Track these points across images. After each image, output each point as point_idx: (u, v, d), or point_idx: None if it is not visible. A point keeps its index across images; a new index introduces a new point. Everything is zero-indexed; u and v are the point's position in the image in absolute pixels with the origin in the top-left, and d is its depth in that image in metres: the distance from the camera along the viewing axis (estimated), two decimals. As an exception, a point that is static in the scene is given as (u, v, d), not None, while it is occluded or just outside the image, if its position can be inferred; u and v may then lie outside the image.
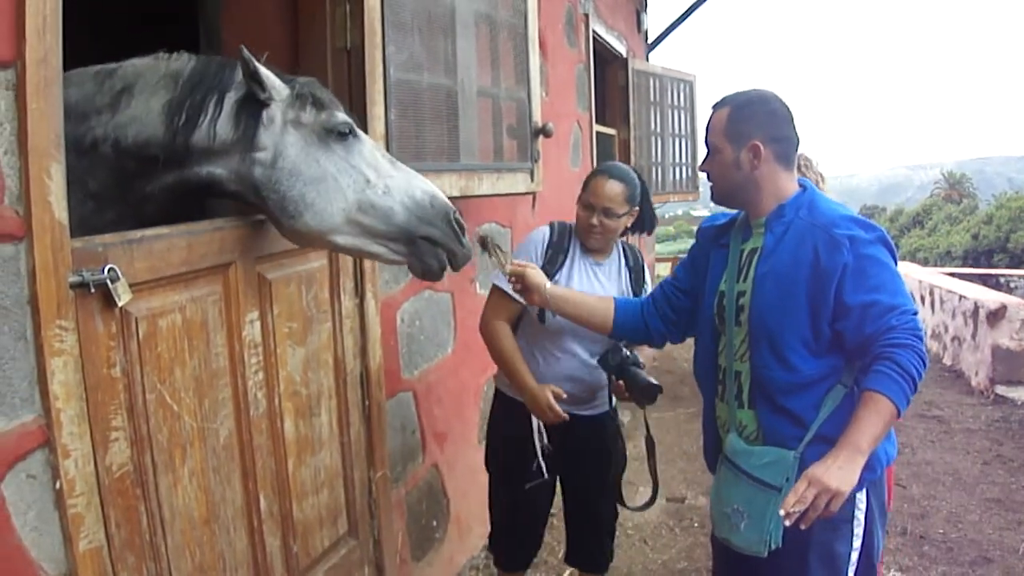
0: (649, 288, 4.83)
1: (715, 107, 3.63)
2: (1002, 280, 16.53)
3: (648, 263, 14.61)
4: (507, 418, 4.82)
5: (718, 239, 3.80)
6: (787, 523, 3.03)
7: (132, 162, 3.00)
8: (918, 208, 50.68)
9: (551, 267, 4.63)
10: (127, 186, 3.04)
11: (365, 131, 3.91)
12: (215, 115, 3.04)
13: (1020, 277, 16.89)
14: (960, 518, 7.04)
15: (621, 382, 4.48)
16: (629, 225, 4.74)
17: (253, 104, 3.06)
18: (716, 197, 3.71)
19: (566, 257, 4.70)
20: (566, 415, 4.42)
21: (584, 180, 4.76)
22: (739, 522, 3.38)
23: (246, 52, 2.95)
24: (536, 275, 3.98)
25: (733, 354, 3.59)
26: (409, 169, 3.31)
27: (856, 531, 3.41)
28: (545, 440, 4.69)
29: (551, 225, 4.82)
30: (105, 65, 3.08)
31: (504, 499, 4.94)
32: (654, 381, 4.40)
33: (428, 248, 3.25)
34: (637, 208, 4.72)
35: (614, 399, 4.83)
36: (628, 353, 4.48)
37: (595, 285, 4.69)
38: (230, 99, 3.07)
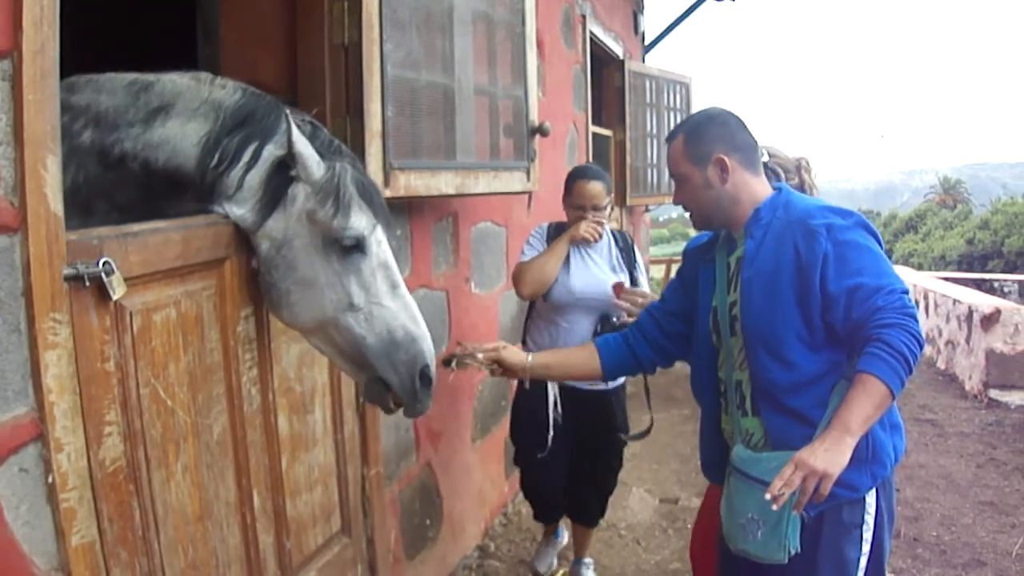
0: (640, 265, 5.81)
1: (668, 140, 3.68)
2: (996, 285, 16.58)
3: (643, 263, 14.67)
4: (528, 395, 5.57)
5: (704, 256, 3.81)
6: (775, 507, 2.96)
7: (162, 184, 2.97)
8: (912, 213, 50.71)
9: None
10: (154, 204, 2.99)
11: (362, 129, 3.91)
12: (249, 164, 2.99)
13: (1014, 282, 16.93)
14: (953, 521, 7.07)
15: None
16: (611, 211, 5.65)
17: (285, 172, 3.01)
18: (697, 224, 3.72)
19: None
20: (598, 228, 5.45)
21: (566, 185, 5.61)
22: (755, 531, 3.30)
23: (291, 120, 2.92)
24: (512, 354, 4.02)
25: (732, 364, 3.57)
26: (408, 300, 3.21)
27: (865, 535, 3.36)
28: (559, 410, 5.54)
29: (550, 224, 5.74)
30: (140, 76, 3.02)
31: (526, 463, 5.88)
32: None
33: (378, 389, 3.18)
34: (612, 194, 5.70)
35: (621, 378, 5.48)
36: (615, 320, 5.29)
37: (587, 263, 5.56)
38: (268, 152, 3.01)
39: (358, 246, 3.06)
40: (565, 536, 6.50)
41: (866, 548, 3.37)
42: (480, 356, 3.90)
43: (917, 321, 3.09)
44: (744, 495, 3.38)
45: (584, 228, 5.36)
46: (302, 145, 2.95)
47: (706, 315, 3.69)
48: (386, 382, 3.14)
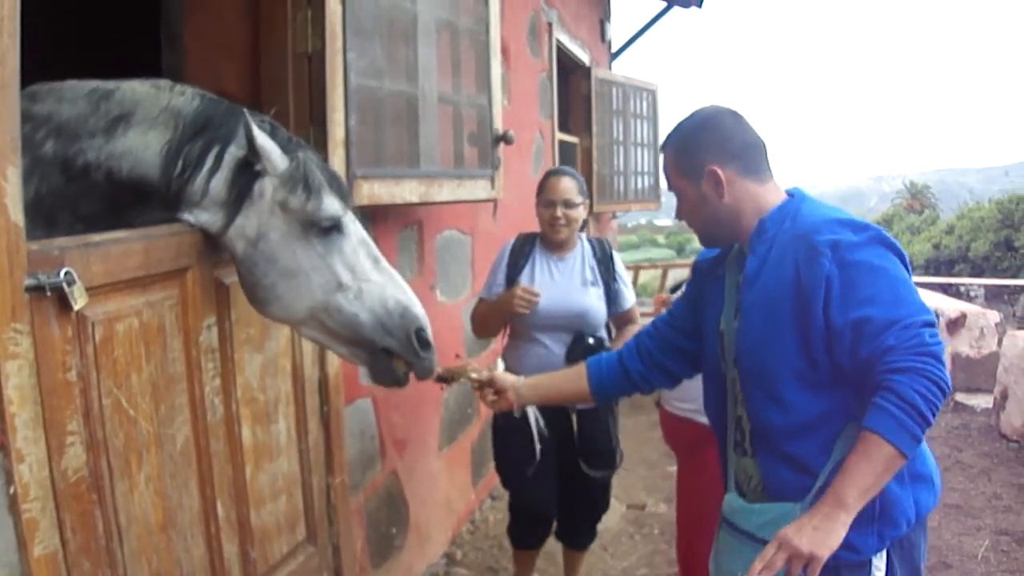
0: (622, 276, 5.47)
1: (661, 150, 3.27)
2: (962, 289, 16.67)
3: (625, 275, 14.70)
4: (508, 413, 4.97)
5: (713, 271, 3.33)
6: None
7: (127, 194, 2.97)
8: (879, 218, 50.82)
9: (514, 271, 5.21)
10: (119, 215, 2.99)
11: (325, 138, 3.91)
12: (213, 169, 3.00)
13: (980, 286, 17.04)
14: (919, 524, 7.08)
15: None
16: (586, 216, 5.36)
17: (249, 170, 3.02)
18: (702, 241, 3.31)
19: (527, 260, 5.28)
20: (536, 293, 5.01)
21: (538, 185, 5.37)
22: None
23: (248, 118, 2.92)
24: (503, 378, 3.82)
25: (735, 398, 3.16)
26: (392, 272, 3.24)
27: None
28: (541, 424, 5.08)
29: (516, 237, 5.49)
30: (100, 84, 3.03)
31: (515, 483, 5.44)
32: None
33: (384, 360, 3.21)
34: (587, 200, 5.40)
35: None
36: (591, 340, 5.00)
37: (554, 277, 5.29)
38: (231, 154, 3.02)
39: (336, 227, 3.09)
40: None
41: None
42: (473, 375, 3.81)
43: (939, 360, 2.59)
44: (732, 550, 3.07)
45: (517, 303, 4.97)
46: (263, 139, 2.96)
47: (714, 339, 3.25)
48: (388, 350, 3.17)
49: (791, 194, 3.13)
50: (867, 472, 2.56)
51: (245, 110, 2.97)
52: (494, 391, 3.80)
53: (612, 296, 5.36)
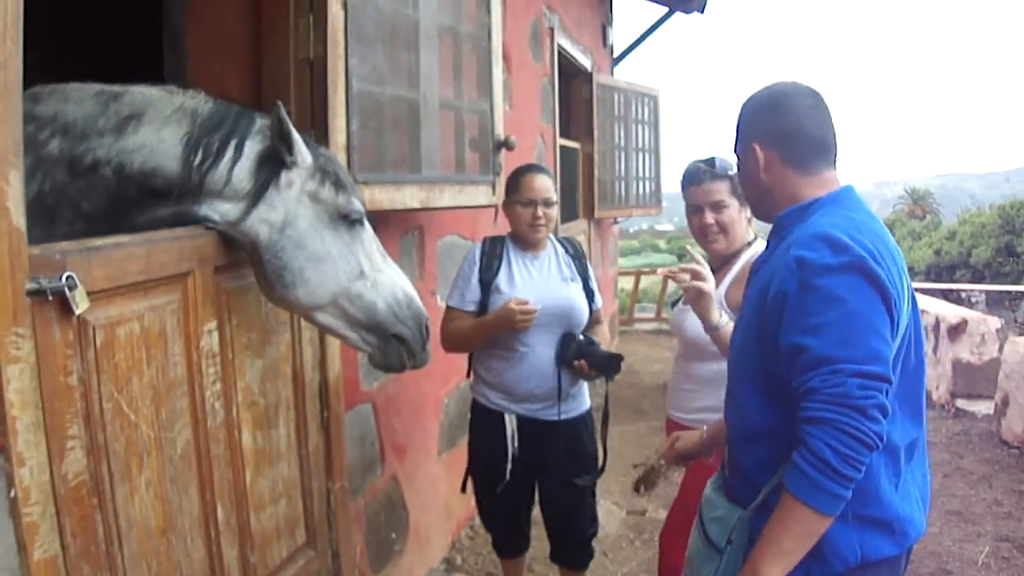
0: (591, 273, 5.28)
1: None
2: (963, 295, 16.66)
3: (611, 277, 14.70)
4: (484, 426, 5.19)
5: None
6: None
7: (134, 190, 3.00)
8: (881, 224, 50.65)
9: (488, 273, 4.99)
10: (122, 212, 3.02)
11: (327, 143, 3.92)
12: (235, 158, 3.07)
13: (981, 292, 17.02)
14: (919, 531, 7.07)
15: (583, 362, 4.73)
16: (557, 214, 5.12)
17: (274, 161, 3.12)
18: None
19: (500, 261, 5.05)
20: (536, 306, 4.70)
21: (511, 183, 5.17)
22: (687, 572, 3.02)
23: (282, 111, 3.01)
24: (687, 441, 3.66)
25: None
26: (396, 267, 3.44)
27: None
28: (516, 444, 5.00)
29: (483, 240, 5.23)
30: (108, 86, 3.06)
31: (484, 500, 5.36)
32: (613, 352, 4.72)
33: (395, 346, 3.40)
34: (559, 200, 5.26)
35: (588, 401, 5.18)
36: (581, 337, 4.82)
37: (533, 275, 5.07)
38: (251, 147, 3.11)
39: (360, 220, 3.28)
40: None
41: None
42: (663, 463, 3.77)
43: (861, 413, 2.40)
44: (694, 530, 3.07)
45: (520, 324, 4.67)
46: (295, 132, 3.10)
47: None
48: (399, 337, 3.37)
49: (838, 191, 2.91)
50: (784, 535, 2.47)
51: (279, 103, 3.05)
52: (687, 458, 3.74)
53: (588, 294, 5.18)
